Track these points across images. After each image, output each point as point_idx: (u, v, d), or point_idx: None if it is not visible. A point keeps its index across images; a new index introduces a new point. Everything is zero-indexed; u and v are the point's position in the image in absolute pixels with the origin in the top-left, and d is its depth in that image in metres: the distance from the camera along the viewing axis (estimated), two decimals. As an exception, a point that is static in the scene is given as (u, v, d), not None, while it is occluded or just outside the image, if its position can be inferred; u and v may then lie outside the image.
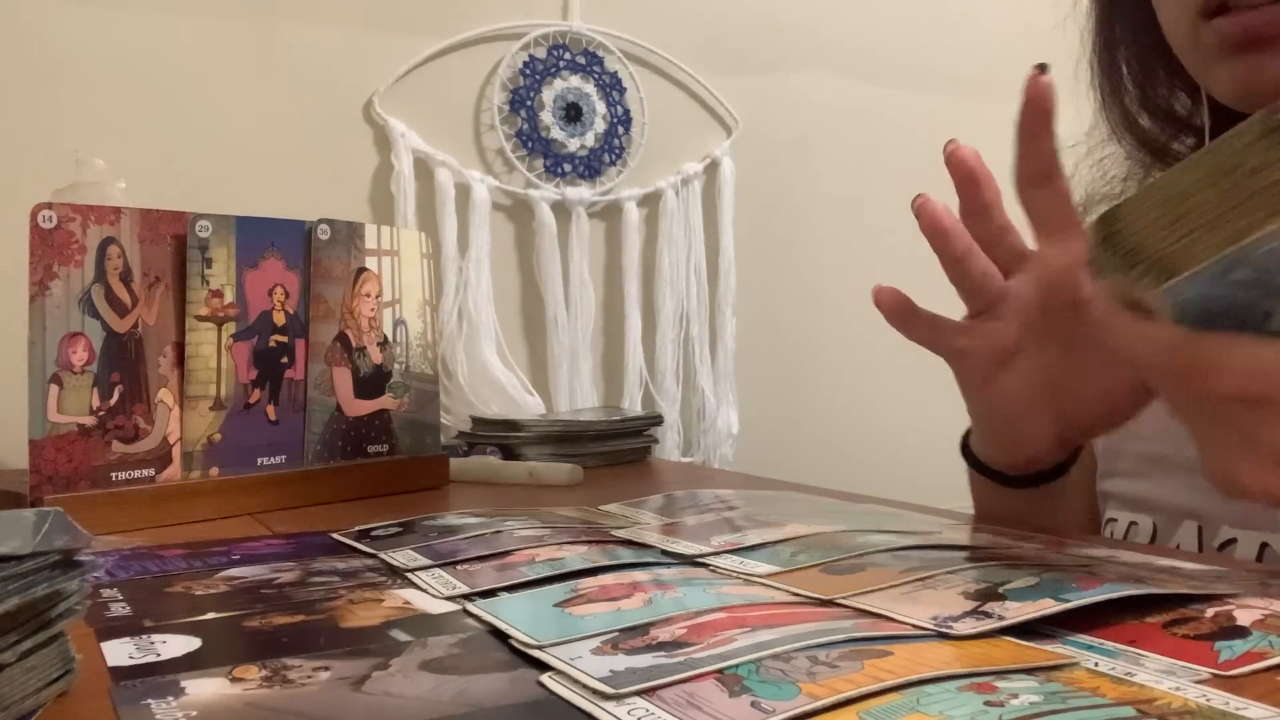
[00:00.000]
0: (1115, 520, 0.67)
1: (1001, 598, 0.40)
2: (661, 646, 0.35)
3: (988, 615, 0.38)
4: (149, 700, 0.33)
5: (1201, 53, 0.59)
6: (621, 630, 0.38)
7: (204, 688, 0.34)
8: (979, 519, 0.65)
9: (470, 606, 0.43)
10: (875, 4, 1.66)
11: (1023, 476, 0.61)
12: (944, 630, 0.37)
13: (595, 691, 0.32)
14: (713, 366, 1.51)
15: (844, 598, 0.41)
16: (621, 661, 0.34)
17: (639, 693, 0.31)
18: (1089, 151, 0.71)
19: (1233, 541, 0.59)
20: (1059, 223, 0.53)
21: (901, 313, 0.61)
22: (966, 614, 0.38)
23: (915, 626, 0.37)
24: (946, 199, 0.60)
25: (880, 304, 0.62)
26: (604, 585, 0.45)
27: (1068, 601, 0.38)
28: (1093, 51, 0.70)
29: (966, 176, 0.57)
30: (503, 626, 0.39)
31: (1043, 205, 0.54)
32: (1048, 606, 0.38)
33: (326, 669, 0.36)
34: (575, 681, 0.33)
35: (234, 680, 0.35)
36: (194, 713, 0.32)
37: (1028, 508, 0.62)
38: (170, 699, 0.33)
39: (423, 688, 0.34)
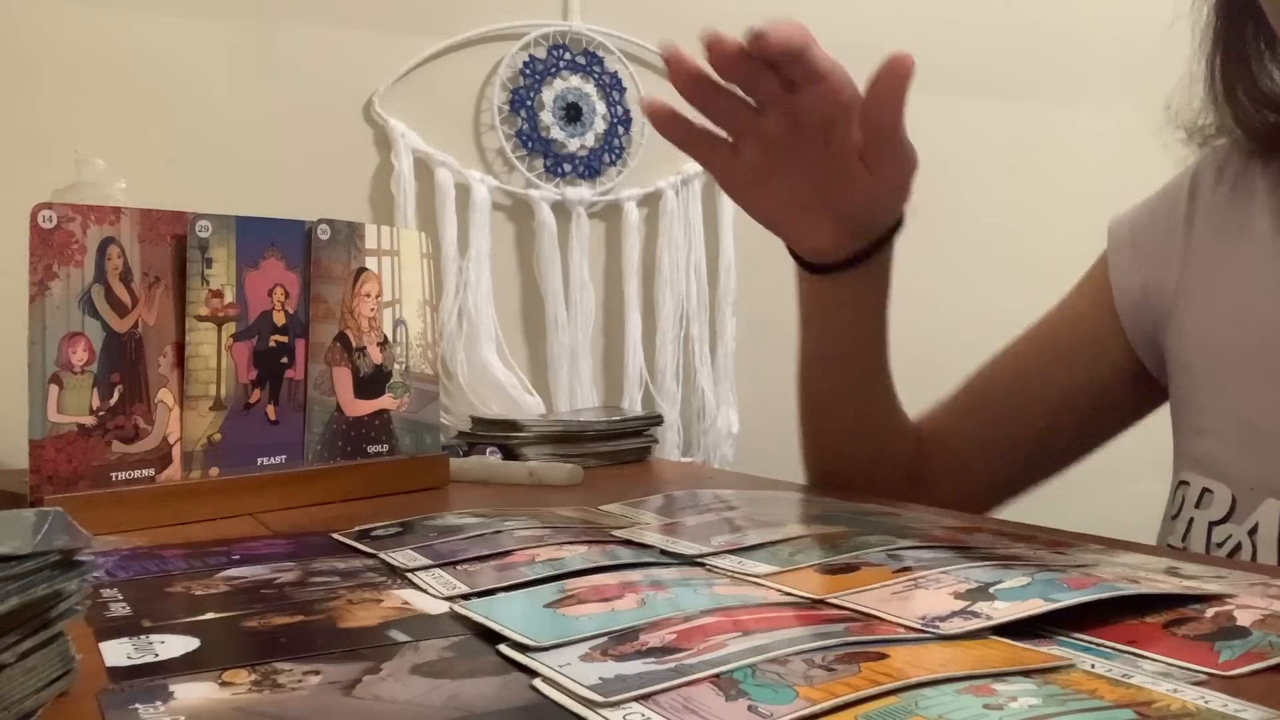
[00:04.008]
0: (1188, 484, 0.63)
1: (991, 598, 0.40)
2: (651, 652, 0.35)
3: (975, 615, 0.38)
4: (137, 705, 0.33)
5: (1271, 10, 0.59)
6: (611, 636, 0.37)
7: (192, 692, 0.34)
8: (804, 328, 0.75)
9: (458, 608, 0.43)
10: (875, 4, 1.66)
11: (821, 264, 0.70)
12: (930, 630, 0.37)
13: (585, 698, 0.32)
14: (713, 366, 1.51)
15: (835, 597, 0.41)
16: (611, 668, 0.34)
17: (633, 698, 0.31)
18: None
19: None
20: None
21: (671, 122, 0.72)
22: (954, 614, 0.38)
23: (904, 627, 0.37)
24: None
25: (651, 115, 0.72)
26: (595, 585, 0.45)
27: (1057, 602, 0.38)
28: (1210, 47, 0.68)
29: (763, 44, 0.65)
30: (495, 627, 0.39)
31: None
32: (1036, 607, 0.38)
33: (317, 673, 0.36)
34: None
35: (223, 684, 0.35)
36: (181, 717, 0.32)
37: (834, 298, 0.72)
38: (158, 703, 0.33)
39: (414, 692, 0.34)
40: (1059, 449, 0.78)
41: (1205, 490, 0.61)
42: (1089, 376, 0.74)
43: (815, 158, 0.66)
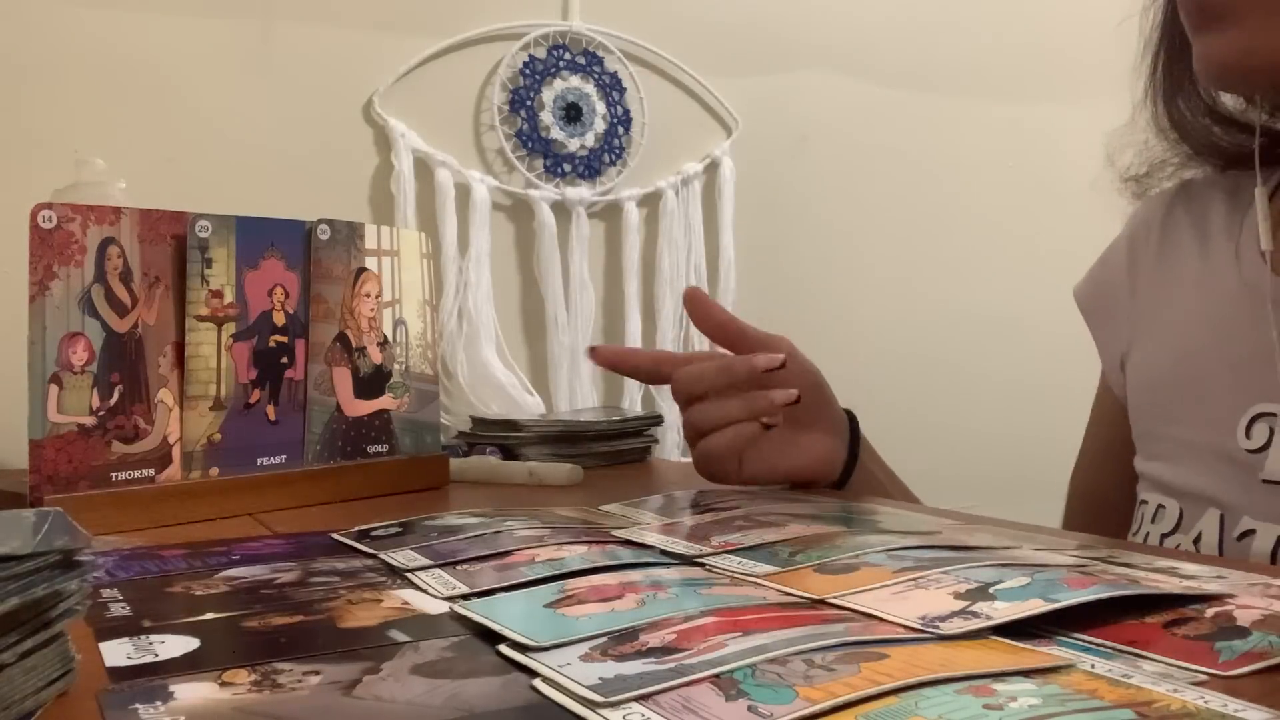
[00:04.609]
0: (1146, 502, 0.68)
1: (991, 598, 0.40)
2: (651, 652, 0.35)
3: (975, 615, 0.38)
4: (137, 705, 0.33)
5: (1188, 32, 0.63)
6: (610, 636, 0.37)
7: (192, 692, 0.34)
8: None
9: (458, 607, 0.43)
10: (875, 4, 1.66)
11: (840, 475, 0.77)
12: (930, 630, 0.37)
13: (585, 698, 0.32)
14: (713, 366, 1.51)
15: (834, 597, 0.41)
16: (611, 668, 0.34)
17: (633, 698, 0.31)
18: (1132, 135, 0.74)
19: (1251, 533, 0.60)
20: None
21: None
22: (954, 614, 0.38)
23: (904, 626, 0.37)
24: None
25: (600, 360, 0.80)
26: (595, 585, 0.45)
27: (1057, 602, 0.38)
28: (1155, 46, 0.72)
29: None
30: (495, 628, 0.39)
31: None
32: (1036, 607, 0.38)
33: (317, 673, 0.36)
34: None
35: (223, 685, 0.35)
36: (181, 717, 0.32)
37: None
38: (158, 703, 0.33)
39: (414, 692, 0.34)
40: None
41: (1159, 506, 0.67)
42: (1132, 456, 0.77)
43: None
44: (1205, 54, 0.61)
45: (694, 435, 0.75)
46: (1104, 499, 0.78)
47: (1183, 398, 0.67)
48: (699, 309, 0.75)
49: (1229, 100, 0.69)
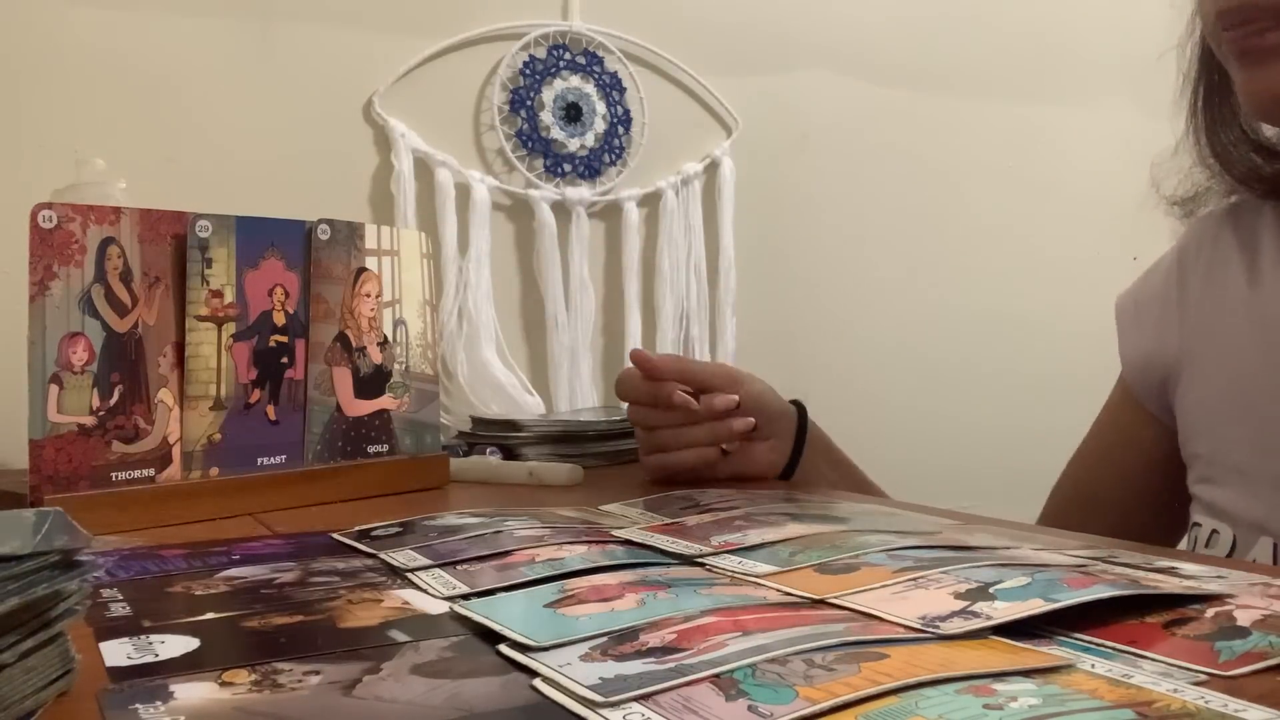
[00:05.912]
0: (1199, 525, 0.69)
1: (991, 598, 0.40)
2: (651, 652, 0.35)
3: (975, 615, 0.38)
4: (137, 705, 0.33)
5: (1225, 61, 0.63)
6: (611, 636, 0.37)
7: (193, 692, 0.34)
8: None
9: (458, 607, 0.43)
10: (875, 4, 1.65)
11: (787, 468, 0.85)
12: (930, 630, 0.37)
13: (586, 698, 0.32)
14: (713, 366, 1.51)
15: (835, 597, 0.42)
16: (611, 668, 0.34)
17: (633, 698, 0.31)
18: (1176, 162, 0.75)
19: None
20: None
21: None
22: (954, 614, 0.38)
23: (904, 626, 0.37)
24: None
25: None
26: (595, 585, 0.45)
27: (1057, 602, 0.38)
28: (1195, 80, 0.72)
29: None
30: (495, 627, 0.39)
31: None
32: (1036, 607, 0.38)
33: (317, 673, 0.36)
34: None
35: (223, 685, 0.35)
36: (181, 717, 0.32)
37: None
38: (158, 703, 0.33)
39: (414, 692, 0.34)
40: (1136, 536, 0.83)
41: (1213, 531, 0.67)
42: (1140, 462, 0.78)
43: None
44: (1252, 88, 0.61)
45: (652, 449, 0.83)
46: (1093, 495, 0.79)
47: (1236, 425, 0.67)
48: (648, 368, 0.82)
49: (1270, 131, 0.69)
